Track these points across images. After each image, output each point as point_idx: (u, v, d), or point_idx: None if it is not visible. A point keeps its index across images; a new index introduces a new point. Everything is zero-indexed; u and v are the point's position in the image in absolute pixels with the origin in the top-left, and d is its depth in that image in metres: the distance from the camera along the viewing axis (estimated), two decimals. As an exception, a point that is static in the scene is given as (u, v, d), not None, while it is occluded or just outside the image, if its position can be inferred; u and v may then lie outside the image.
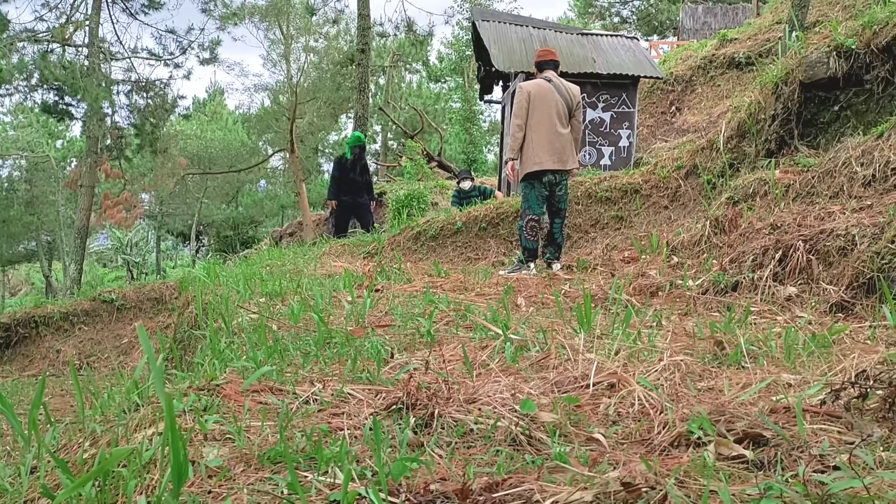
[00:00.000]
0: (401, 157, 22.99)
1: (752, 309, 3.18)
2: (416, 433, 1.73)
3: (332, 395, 2.04)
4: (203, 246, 41.08)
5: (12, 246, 31.74)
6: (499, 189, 11.46)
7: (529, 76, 6.07)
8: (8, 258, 32.51)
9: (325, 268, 5.97)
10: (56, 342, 10.06)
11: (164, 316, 10.56)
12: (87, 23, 18.43)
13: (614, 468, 1.47)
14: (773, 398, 1.88)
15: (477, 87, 16.11)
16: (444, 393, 1.97)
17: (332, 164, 11.13)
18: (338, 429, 1.76)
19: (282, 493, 1.40)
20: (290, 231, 22.19)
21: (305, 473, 1.48)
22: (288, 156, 23.42)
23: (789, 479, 1.37)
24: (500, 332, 2.79)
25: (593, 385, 2.08)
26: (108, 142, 19.45)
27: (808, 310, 3.16)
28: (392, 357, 2.54)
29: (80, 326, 10.39)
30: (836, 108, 4.88)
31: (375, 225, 10.26)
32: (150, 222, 36.46)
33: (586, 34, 12.94)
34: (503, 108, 12.91)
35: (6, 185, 32.08)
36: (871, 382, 1.75)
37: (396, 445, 1.64)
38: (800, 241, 3.59)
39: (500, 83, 13.46)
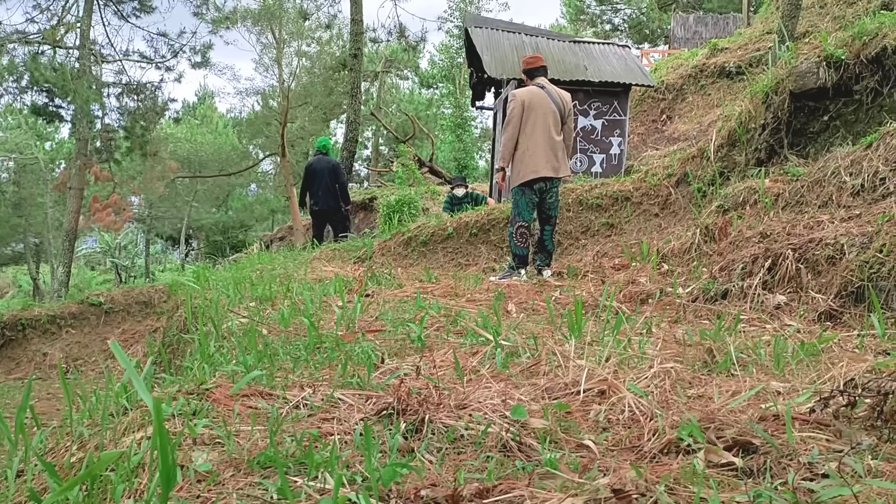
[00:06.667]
0: (392, 162, 23.00)
1: (742, 317, 3.20)
2: (406, 439, 1.73)
3: (323, 400, 2.03)
4: (192, 250, 40.92)
5: (-1, 248, 31.54)
6: (490, 195, 11.49)
7: (521, 83, 6.07)
8: (-5, 260, 32.30)
9: (315, 273, 5.95)
10: (43, 345, 9.98)
11: (153, 319, 10.52)
12: (79, 25, 18.34)
13: (604, 475, 1.47)
14: (763, 406, 1.89)
15: (469, 93, 16.14)
16: (435, 398, 1.97)
17: (337, 170, 10.95)
18: (328, 434, 1.76)
19: (271, 498, 1.40)
20: (280, 235, 22.14)
21: (295, 478, 1.47)
22: (279, 160, 23.37)
23: (778, 487, 1.37)
24: (490, 338, 2.79)
25: (584, 392, 2.09)
26: (98, 144, 19.33)
27: (797, 318, 3.17)
28: (382, 362, 2.54)
29: (68, 329, 10.31)
30: (826, 118, 4.92)
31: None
32: (139, 226, 36.26)
33: (578, 42, 13.00)
34: (495, 115, 12.94)
35: (-6, 186, 31.85)
36: (860, 391, 1.76)
37: (387, 451, 1.64)
38: (789, 250, 3.61)
39: (493, 89, 13.50)
